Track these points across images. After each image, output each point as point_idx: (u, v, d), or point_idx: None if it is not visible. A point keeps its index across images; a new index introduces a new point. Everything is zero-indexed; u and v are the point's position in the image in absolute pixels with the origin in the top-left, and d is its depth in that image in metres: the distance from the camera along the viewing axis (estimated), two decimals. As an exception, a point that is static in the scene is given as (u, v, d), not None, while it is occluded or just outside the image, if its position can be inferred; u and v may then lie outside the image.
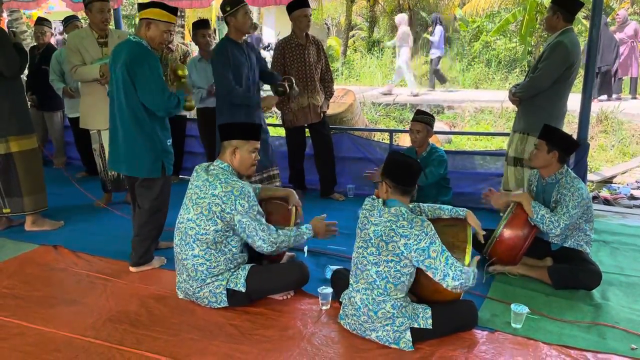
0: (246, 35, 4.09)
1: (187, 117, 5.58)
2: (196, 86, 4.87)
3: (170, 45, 5.14)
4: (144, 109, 3.17)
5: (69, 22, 5.42)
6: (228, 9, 3.79)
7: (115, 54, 3.20)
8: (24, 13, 11.17)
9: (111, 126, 3.32)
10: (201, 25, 4.86)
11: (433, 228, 2.46)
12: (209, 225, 2.74)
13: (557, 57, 3.62)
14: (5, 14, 10.12)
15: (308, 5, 4.49)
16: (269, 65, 4.58)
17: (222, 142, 2.88)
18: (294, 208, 3.11)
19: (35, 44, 5.89)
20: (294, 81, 4.18)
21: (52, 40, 6.06)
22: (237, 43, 3.93)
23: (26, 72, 5.94)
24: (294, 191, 3.21)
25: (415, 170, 2.57)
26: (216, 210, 2.72)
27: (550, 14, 3.75)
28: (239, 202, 2.70)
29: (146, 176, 3.28)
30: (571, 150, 3.22)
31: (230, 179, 2.77)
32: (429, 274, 2.44)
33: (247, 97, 3.92)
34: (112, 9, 5.00)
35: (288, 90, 4.09)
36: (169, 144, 3.34)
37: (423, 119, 3.96)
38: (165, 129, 3.32)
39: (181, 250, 2.86)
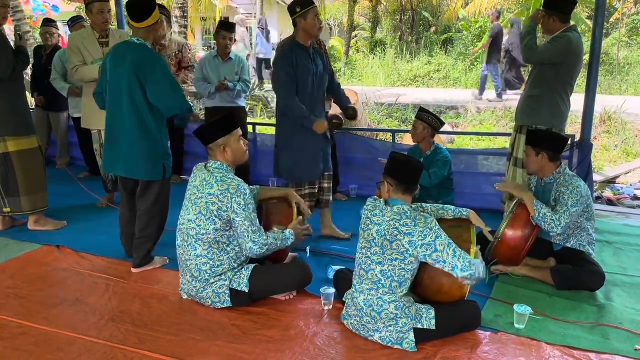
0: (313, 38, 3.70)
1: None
2: (207, 81, 4.91)
3: (162, 42, 5.11)
4: (151, 112, 3.16)
5: (75, 23, 5.42)
6: (298, 9, 3.53)
7: (117, 56, 3.17)
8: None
9: (108, 128, 3.29)
10: (225, 27, 4.88)
11: (437, 223, 2.46)
12: (208, 225, 2.74)
13: (559, 44, 3.62)
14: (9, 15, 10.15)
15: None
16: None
17: (207, 145, 2.85)
18: (295, 207, 3.11)
19: (38, 44, 5.90)
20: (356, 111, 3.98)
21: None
22: (304, 47, 3.62)
23: (30, 72, 5.97)
24: (293, 190, 3.21)
25: (417, 168, 2.56)
26: (213, 209, 2.72)
27: (546, 19, 3.76)
28: (235, 200, 2.70)
29: (148, 178, 3.27)
30: (559, 147, 3.20)
31: (226, 177, 2.77)
32: (437, 267, 2.44)
33: (302, 118, 3.54)
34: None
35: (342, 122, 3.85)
36: (168, 146, 3.34)
37: (420, 115, 4.03)
38: (166, 131, 3.33)
39: (184, 252, 2.86)
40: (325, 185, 3.89)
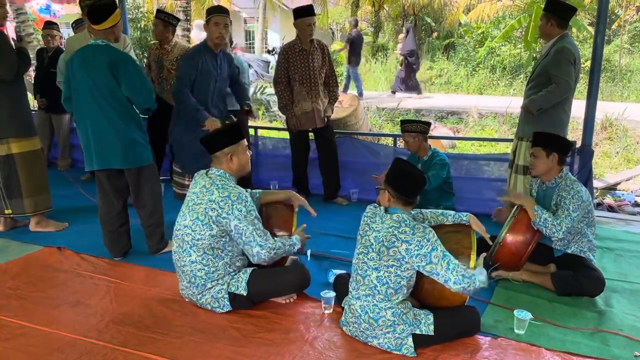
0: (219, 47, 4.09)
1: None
2: None
3: (165, 46, 5.11)
4: (131, 103, 3.39)
5: (79, 25, 5.44)
6: (206, 16, 4.00)
7: (86, 59, 3.29)
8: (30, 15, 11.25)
9: (92, 126, 3.35)
10: None
11: (435, 234, 2.45)
12: (204, 231, 2.74)
13: (566, 61, 3.62)
14: (11, 16, 10.20)
15: (313, 14, 4.50)
16: (273, 70, 4.62)
17: (213, 153, 2.84)
18: (295, 212, 3.11)
19: (41, 46, 5.91)
20: (252, 108, 4.45)
21: None
22: (212, 51, 4.02)
23: (32, 73, 6.00)
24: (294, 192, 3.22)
25: (420, 183, 2.55)
26: (212, 214, 2.71)
27: (544, 22, 3.77)
28: (236, 207, 2.70)
29: (146, 164, 3.47)
30: (567, 149, 3.22)
31: (227, 184, 2.77)
32: (432, 278, 2.44)
33: (194, 112, 3.96)
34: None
35: (233, 120, 4.20)
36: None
37: (405, 128, 4.07)
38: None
39: (179, 257, 2.86)
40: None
